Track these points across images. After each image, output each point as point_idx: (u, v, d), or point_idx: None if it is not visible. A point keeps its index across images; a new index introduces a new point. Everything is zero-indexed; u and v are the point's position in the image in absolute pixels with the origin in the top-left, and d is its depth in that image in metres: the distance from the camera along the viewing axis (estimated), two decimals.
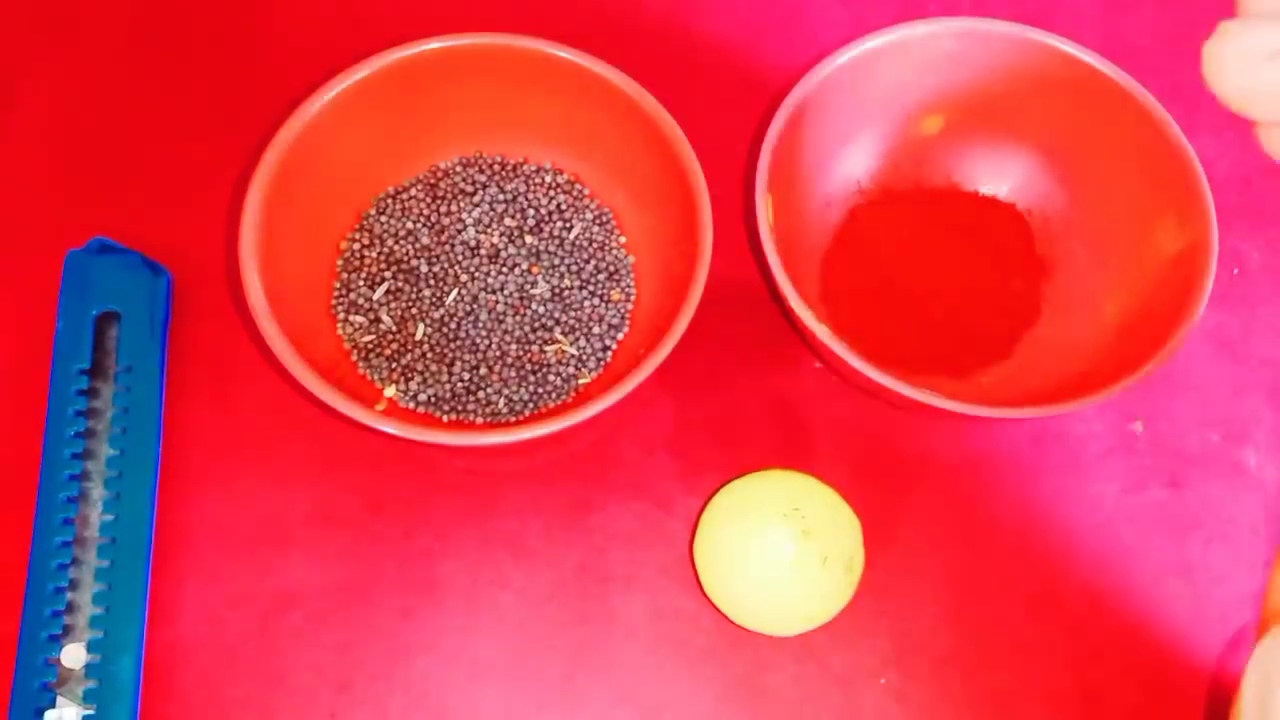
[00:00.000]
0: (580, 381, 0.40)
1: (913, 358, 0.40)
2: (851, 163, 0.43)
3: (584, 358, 0.40)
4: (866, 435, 0.41)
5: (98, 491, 0.38)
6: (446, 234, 0.41)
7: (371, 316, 0.40)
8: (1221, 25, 0.20)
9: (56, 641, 0.36)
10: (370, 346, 0.40)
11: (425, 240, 0.41)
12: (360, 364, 0.40)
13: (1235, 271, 0.44)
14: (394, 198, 0.42)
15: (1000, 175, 0.43)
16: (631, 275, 0.42)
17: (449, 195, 0.42)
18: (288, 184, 0.37)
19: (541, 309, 0.41)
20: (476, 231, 0.42)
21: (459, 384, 0.39)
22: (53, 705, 0.36)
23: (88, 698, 0.36)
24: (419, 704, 0.37)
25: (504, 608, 0.39)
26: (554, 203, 0.42)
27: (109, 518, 0.38)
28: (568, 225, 0.42)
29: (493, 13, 0.47)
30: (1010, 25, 0.39)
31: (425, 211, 0.42)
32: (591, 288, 0.41)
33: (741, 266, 0.43)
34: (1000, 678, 0.38)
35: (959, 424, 0.42)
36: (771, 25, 0.48)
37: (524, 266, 0.41)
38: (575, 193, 0.43)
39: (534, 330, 0.40)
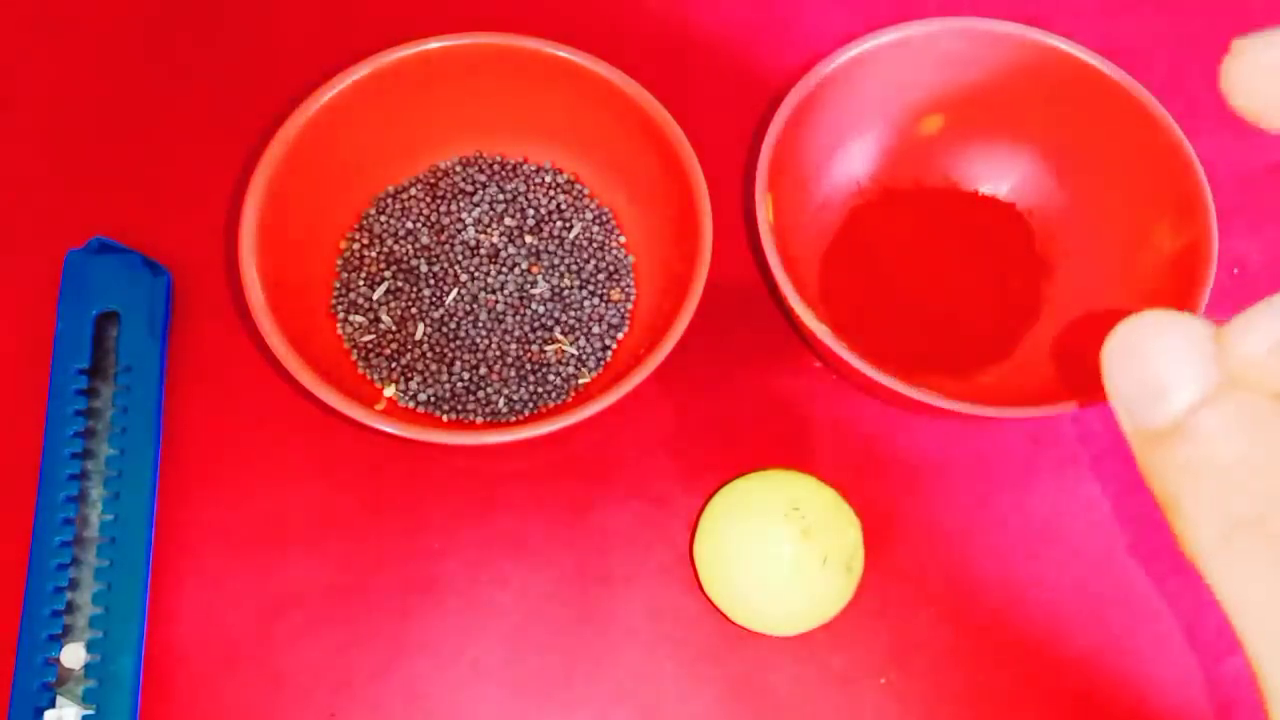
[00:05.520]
0: (580, 381, 0.40)
1: (913, 358, 0.40)
2: (851, 163, 0.43)
3: (584, 357, 0.40)
4: (866, 435, 0.41)
5: (98, 491, 0.38)
6: (446, 234, 0.41)
7: (371, 316, 0.40)
8: (1236, 42, 0.19)
9: (56, 641, 0.36)
10: (370, 346, 0.40)
11: (425, 240, 0.41)
12: (360, 364, 0.40)
13: (1235, 271, 0.44)
14: (394, 197, 0.42)
15: (1000, 175, 0.43)
16: (631, 275, 0.42)
17: (449, 195, 0.42)
18: (287, 184, 0.37)
19: (541, 309, 0.41)
20: (476, 231, 0.42)
21: (459, 384, 0.39)
22: (52, 705, 0.36)
23: (87, 697, 0.36)
24: (418, 704, 0.37)
25: (504, 607, 0.39)
26: (554, 202, 0.42)
27: (109, 518, 0.38)
28: (568, 225, 0.42)
29: (493, 13, 0.47)
30: (1010, 25, 0.39)
31: (425, 211, 0.42)
32: (591, 287, 0.41)
33: (741, 266, 0.43)
34: (1000, 678, 0.38)
35: (959, 424, 0.42)
36: (771, 25, 0.48)
37: (524, 266, 0.41)
38: (575, 193, 0.43)
39: (534, 330, 0.40)
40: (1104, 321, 0.42)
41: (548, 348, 0.40)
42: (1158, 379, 0.18)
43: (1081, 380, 0.37)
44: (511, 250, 0.41)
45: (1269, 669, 0.17)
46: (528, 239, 0.42)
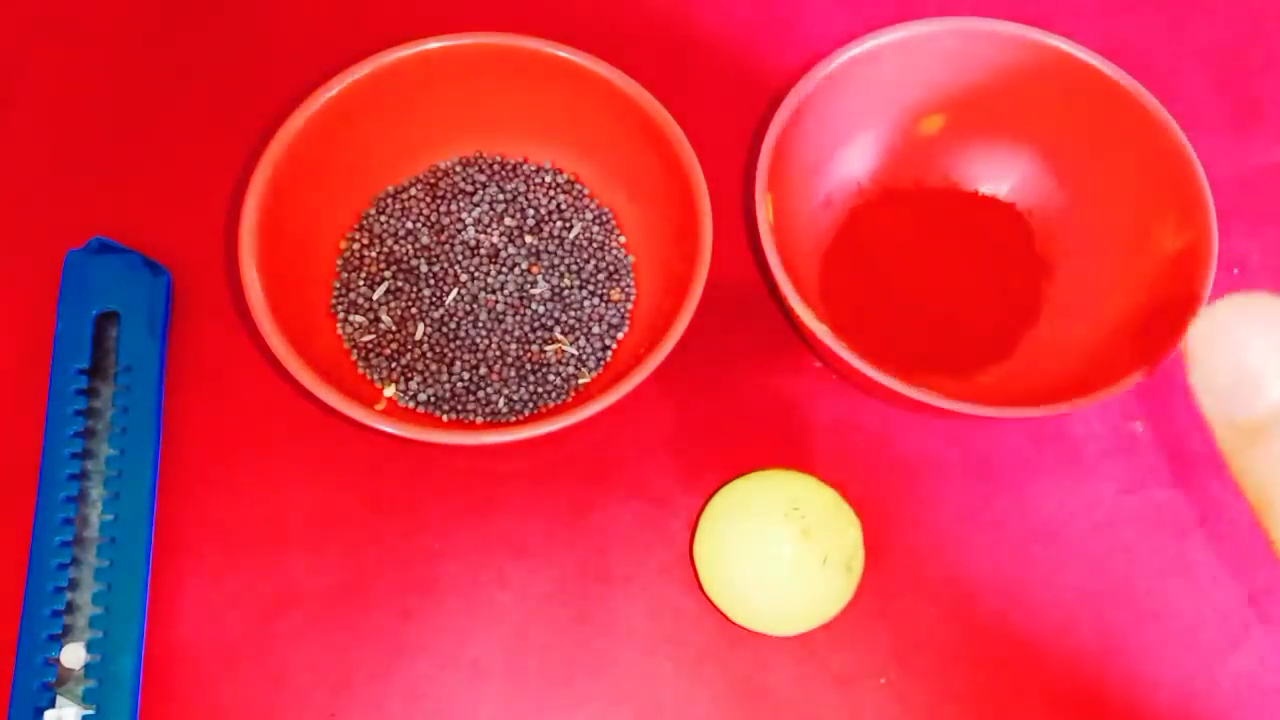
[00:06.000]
0: (580, 381, 0.40)
1: (913, 357, 0.40)
2: (851, 163, 0.43)
3: (584, 357, 0.40)
4: (866, 435, 0.41)
5: (97, 491, 0.38)
6: (446, 234, 0.41)
7: (371, 316, 0.40)
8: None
9: (56, 641, 0.36)
10: (370, 346, 0.40)
11: (425, 240, 0.41)
12: (360, 364, 0.40)
13: (1235, 271, 0.44)
14: (394, 197, 0.42)
15: (1000, 175, 0.43)
16: (631, 275, 0.42)
17: (449, 195, 0.42)
18: (287, 183, 0.37)
19: (541, 309, 0.41)
20: (476, 231, 0.42)
21: (459, 384, 0.39)
22: (52, 705, 0.36)
23: (87, 697, 0.36)
24: (418, 704, 0.37)
25: (504, 608, 0.39)
26: (554, 202, 0.42)
27: (109, 518, 0.38)
28: (568, 225, 0.42)
29: (493, 13, 0.47)
30: (1010, 25, 0.39)
31: (425, 211, 0.42)
32: (591, 287, 0.41)
33: (741, 266, 0.43)
34: (1000, 678, 0.38)
35: (959, 424, 0.42)
36: (771, 25, 0.48)
37: (524, 266, 0.41)
38: (575, 193, 0.43)
39: (534, 330, 0.40)
40: (1104, 321, 0.42)
41: (548, 348, 0.40)
42: (1252, 368, 0.16)
43: (1081, 380, 0.37)
44: (511, 250, 0.41)
45: None
46: (528, 239, 0.42)
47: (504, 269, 0.41)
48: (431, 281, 0.41)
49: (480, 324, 0.40)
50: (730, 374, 0.42)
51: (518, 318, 0.41)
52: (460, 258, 0.41)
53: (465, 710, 0.37)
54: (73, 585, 0.37)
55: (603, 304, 0.41)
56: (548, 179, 0.43)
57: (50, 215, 0.43)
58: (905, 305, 0.42)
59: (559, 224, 0.42)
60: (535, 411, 0.40)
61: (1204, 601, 0.40)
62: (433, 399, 0.39)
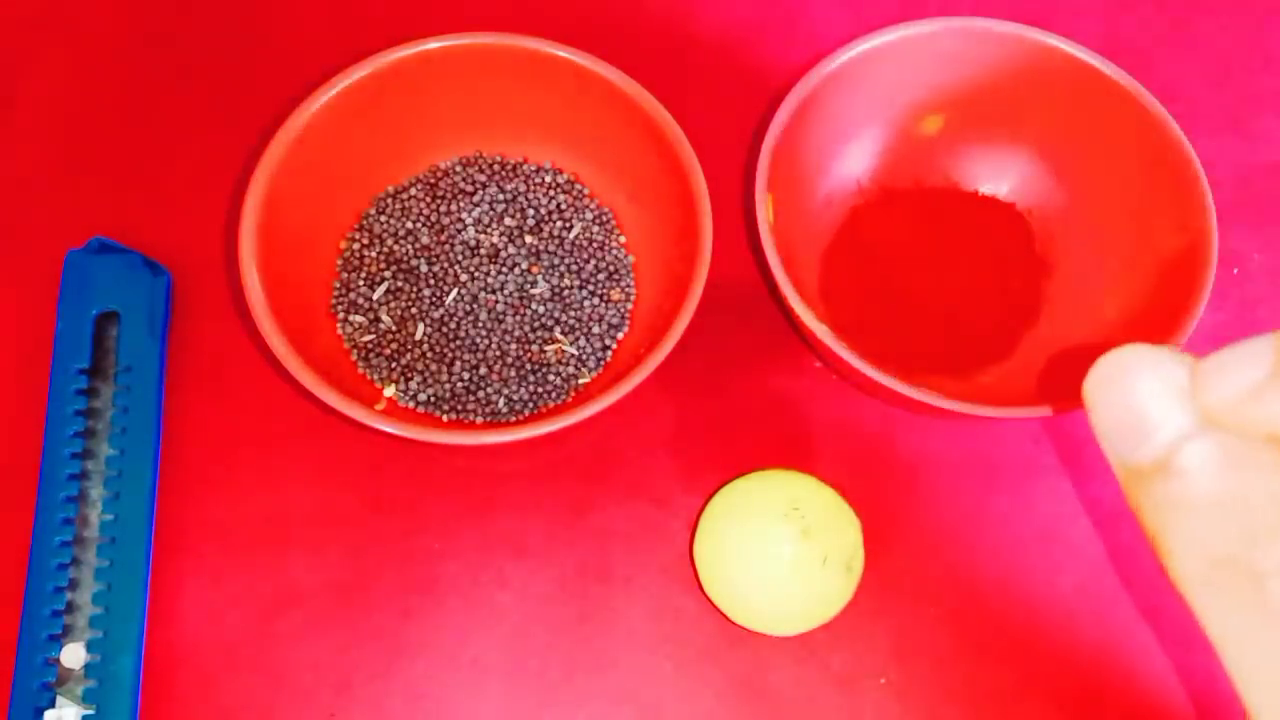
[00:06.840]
0: (580, 381, 0.40)
1: (913, 357, 0.40)
2: (851, 162, 0.43)
3: (584, 357, 0.40)
4: (866, 435, 0.41)
5: (97, 491, 0.38)
6: (446, 234, 0.41)
7: (371, 316, 0.40)
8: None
9: (56, 641, 0.36)
10: (370, 346, 0.40)
11: (425, 240, 0.41)
12: (360, 364, 0.40)
13: (1235, 271, 0.44)
14: (394, 197, 0.42)
15: (1000, 175, 0.43)
16: (631, 275, 0.42)
17: (449, 195, 0.42)
18: (287, 184, 0.37)
19: (541, 309, 0.41)
20: (476, 231, 0.42)
21: (459, 384, 0.39)
22: (52, 705, 0.36)
23: (87, 697, 0.36)
24: (418, 704, 0.37)
25: (504, 607, 0.39)
26: (554, 202, 0.42)
27: (109, 518, 0.38)
28: (568, 225, 0.42)
29: (493, 13, 0.47)
30: (1010, 25, 0.39)
31: (425, 211, 0.42)
32: (591, 287, 0.41)
33: (741, 266, 0.43)
34: (1000, 678, 0.38)
35: (959, 424, 0.42)
36: (772, 24, 0.48)
37: (524, 266, 0.41)
38: (575, 193, 0.43)
39: (534, 330, 0.40)
40: (1104, 321, 0.42)
41: (548, 348, 0.40)
42: (1138, 418, 0.18)
43: (1081, 380, 0.37)
44: (511, 250, 0.41)
45: (1254, 700, 0.17)
46: (528, 239, 0.42)
47: (504, 269, 0.41)
48: (431, 281, 0.41)
49: (480, 324, 0.40)
50: (730, 374, 0.42)
51: (518, 318, 0.41)
52: (460, 258, 0.41)
53: (465, 710, 0.37)
54: (73, 585, 0.37)
55: (603, 304, 0.41)
56: (548, 179, 0.43)
57: (50, 215, 0.43)
58: (905, 305, 0.42)
59: (559, 224, 0.42)
60: (535, 411, 0.40)
61: None
62: (433, 399, 0.39)
